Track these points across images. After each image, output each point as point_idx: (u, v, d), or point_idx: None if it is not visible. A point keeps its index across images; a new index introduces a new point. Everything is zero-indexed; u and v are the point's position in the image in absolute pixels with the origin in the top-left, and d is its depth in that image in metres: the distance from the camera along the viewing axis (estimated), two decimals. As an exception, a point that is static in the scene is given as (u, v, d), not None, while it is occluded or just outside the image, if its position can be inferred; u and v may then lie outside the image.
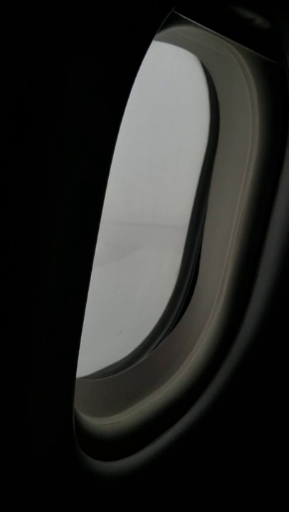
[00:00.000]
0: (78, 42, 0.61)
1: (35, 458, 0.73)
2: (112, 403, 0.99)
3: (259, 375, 1.15)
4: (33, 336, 0.67)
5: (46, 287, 0.67)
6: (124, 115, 0.71)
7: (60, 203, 0.64)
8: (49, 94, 0.59)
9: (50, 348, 0.71)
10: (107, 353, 1.18)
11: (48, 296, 0.67)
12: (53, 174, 0.62)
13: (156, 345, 1.18)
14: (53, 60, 0.59)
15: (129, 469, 0.91)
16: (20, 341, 0.66)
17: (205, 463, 1.10)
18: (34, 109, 0.59)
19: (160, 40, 0.92)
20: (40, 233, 0.63)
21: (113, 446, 0.91)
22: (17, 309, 0.65)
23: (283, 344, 1.17)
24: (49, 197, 0.63)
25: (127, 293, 1.27)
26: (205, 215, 1.19)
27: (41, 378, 0.71)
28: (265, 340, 1.13)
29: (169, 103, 1.20)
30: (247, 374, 1.12)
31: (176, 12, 0.80)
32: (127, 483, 0.91)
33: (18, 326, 0.65)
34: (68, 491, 0.80)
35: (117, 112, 0.68)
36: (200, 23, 0.86)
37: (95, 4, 0.62)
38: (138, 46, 0.69)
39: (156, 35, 0.74)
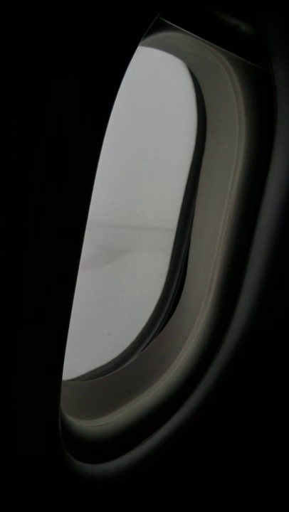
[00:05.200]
0: (64, 45, 0.61)
1: (21, 460, 0.73)
2: (99, 405, 0.99)
3: (247, 375, 1.16)
4: (19, 337, 0.67)
5: (32, 288, 0.67)
6: (112, 118, 0.72)
7: (46, 204, 0.65)
8: (34, 94, 0.60)
9: (36, 350, 0.71)
10: (96, 355, 1.18)
11: (34, 297, 0.67)
12: (38, 175, 0.63)
13: (145, 347, 1.19)
14: (36, 62, 0.60)
15: (117, 472, 0.92)
16: (6, 342, 0.66)
17: (193, 464, 1.10)
18: (22, 112, 0.59)
19: (147, 45, 0.93)
20: (25, 234, 0.63)
21: (101, 449, 0.92)
22: (3, 309, 0.65)
23: (272, 343, 1.18)
24: (35, 197, 0.63)
25: (115, 295, 1.28)
26: (193, 217, 1.20)
27: (27, 380, 0.71)
28: (254, 340, 1.13)
29: (157, 107, 1.21)
30: (235, 374, 1.13)
31: (161, 18, 0.81)
32: (114, 485, 0.91)
33: (3, 326, 0.66)
34: (55, 494, 0.80)
35: (103, 114, 0.69)
36: (186, 29, 0.87)
37: (82, 8, 0.62)
38: (124, 52, 0.70)
39: (143, 41, 0.75)
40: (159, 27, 0.82)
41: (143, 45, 0.87)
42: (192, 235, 1.19)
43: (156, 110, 1.20)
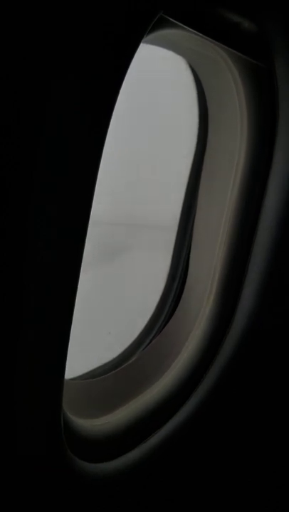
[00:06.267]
0: (64, 45, 0.61)
1: (22, 459, 0.73)
2: (101, 404, 0.99)
3: (249, 375, 1.16)
4: (21, 336, 0.67)
5: (32, 288, 0.67)
6: (114, 116, 0.71)
7: (46, 204, 0.64)
8: (34, 94, 0.60)
9: (38, 349, 0.71)
10: (97, 353, 1.18)
11: (34, 297, 0.67)
12: (38, 175, 0.62)
13: (146, 346, 1.19)
14: (37, 62, 0.59)
15: (118, 471, 0.92)
16: (6, 342, 0.66)
17: (194, 463, 1.10)
18: (22, 112, 0.59)
19: (148, 42, 0.92)
20: (25, 234, 0.63)
21: (103, 448, 0.92)
22: (3, 309, 0.65)
23: (273, 343, 1.18)
24: (35, 197, 0.63)
25: (116, 293, 1.28)
26: (194, 216, 1.20)
27: (28, 379, 0.71)
28: (255, 340, 1.13)
29: (159, 104, 1.21)
30: (236, 374, 1.13)
31: (164, 15, 0.80)
32: (115, 484, 0.91)
33: (5, 326, 0.65)
34: (56, 493, 0.80)
35: (104, 114, 0.69)
36: (188, 26, 0.86)
37: (82, 7, 0.62)
38: (125, 49, 0.70)
39: (145, 38, 0.75)
40: (161, 24, 0.81)
41: (145, 42, 0.86)
42: (193, 235, 1.19)
43: (157, 108, 1.20)
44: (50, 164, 0.63)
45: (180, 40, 0.97)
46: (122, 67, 0.69)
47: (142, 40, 0.73)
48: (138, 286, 1.31)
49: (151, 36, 0.84)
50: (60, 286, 0.71)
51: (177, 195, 1.21)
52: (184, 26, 0.86)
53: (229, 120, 1.10)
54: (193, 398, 1.08)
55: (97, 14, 0.63)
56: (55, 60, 0.60)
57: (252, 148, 1.09)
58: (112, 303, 1.26)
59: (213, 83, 1.09)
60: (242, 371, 1.14)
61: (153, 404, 1.03)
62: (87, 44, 0.63)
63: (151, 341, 1.19)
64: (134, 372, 1.10)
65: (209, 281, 1.13)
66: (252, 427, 1.19)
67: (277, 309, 1.15)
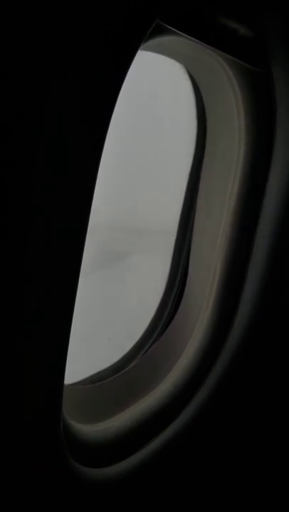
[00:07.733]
0: (64, 45, 0.62)
1: (22, 464, 0.73)
2: (101, 409, 0.99)
3: (250, 379, 1.16)
4: (19, 339, 0.67)
5: (32, 289, 0.67)
6: (113, 122, 0.72)
7: (46, 204, 0.65)
8: (34, 94, 0.60)
9: (37, 354, 0.71)
10: (97, 359, 1.17)
11: (34, 298, 0.67)
12: (38, 175, 0.63)
13: (146, 351, 1.18)
14: (35, 69, 0.60)
15: (119, 476, 0.91)
16: (6, 344, 0.66)
17: (196, 468, 1.09)
18: (22, 112, 0.60)
19: (146, 49, 0.93)
20: (25, 234, 0.63)
21: (103, 453, 0.91)
22: (3, 309, 0.65)
23: (273, 346, 1.18)
24: (35, 197, 0.63)
25: (116, 299, 1.28)
26: (193, 220, 1.21)
27: (29, 385, 0.71)
28: (255, 344, 1.13)
29: (157, 111, 1.22)
30: (237, 378, 1.13)
31: (161, 22, 0.82)
32: (116, 489, 0.91)
33: (3, 328, 0.65)
34: (57, 499, 0.80)
35: (104, 115, 0.69)
36: (185, 33, 0.87)
37: (81, 13, 0.63)
38: (123, 56, 0.71)
39: (142, 45, 0.76)
40: (158, 31, 0.83)
41: (143, 49, 0.87)
42: (193, 238, 1.19)
43: (157, 114, 1.21)
44: (50, 164, 0.63)
45: (178, 46, 0.98)
46: (122, 69, 0.70)
47: (140, 48, 0.74)
48: (138, 290, 1.31)
49: (148, 43, 0.85)
50: (60, 287, 0.71)
51: (177, 199, 1.22)
52: (181, 33, 0.87)
53: (227, 125, 1.11)
54: (193, 402, 1.07)
55: (96, 16, 0.64)
56: (55, 60, 0.61)
57: (250, 153, 1.10)
58: (112, 308, 1.26)
59: (211, 89, 1.10)
60: (243, 375, 1.14)
61: (154, 409, 1.03)
62: (87, 44, 0.64)
63: (151, 346, 1.19)
64: (134, 376, 1.10)
65: (209, 285, 1.13)
66: (253, 430, 1.19)
67: (278, 312, 1.15)
